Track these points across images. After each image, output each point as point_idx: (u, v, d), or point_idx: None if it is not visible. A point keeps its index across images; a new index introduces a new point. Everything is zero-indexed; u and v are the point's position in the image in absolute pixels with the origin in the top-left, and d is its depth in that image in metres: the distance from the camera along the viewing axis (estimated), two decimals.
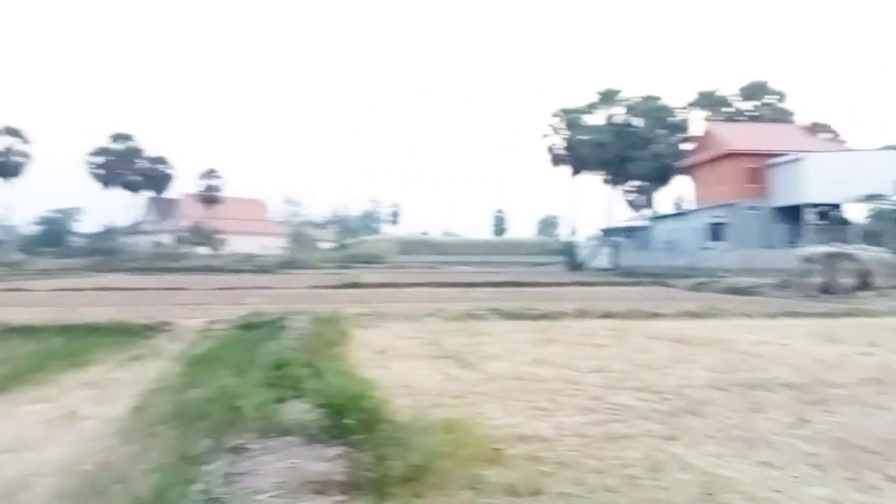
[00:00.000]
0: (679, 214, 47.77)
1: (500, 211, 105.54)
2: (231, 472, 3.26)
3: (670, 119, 54.56)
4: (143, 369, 7.07)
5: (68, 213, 73.03)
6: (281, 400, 4.52)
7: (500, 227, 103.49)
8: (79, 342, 8.60)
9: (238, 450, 3.61)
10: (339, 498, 3.03)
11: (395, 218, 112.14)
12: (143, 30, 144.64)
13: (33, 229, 70.56)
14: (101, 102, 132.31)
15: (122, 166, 67.89)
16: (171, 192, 74.18)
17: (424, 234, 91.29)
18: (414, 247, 73.39)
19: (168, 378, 6.40)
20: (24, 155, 62.76)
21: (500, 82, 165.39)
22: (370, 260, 60.32)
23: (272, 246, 69.47)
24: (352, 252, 68.69)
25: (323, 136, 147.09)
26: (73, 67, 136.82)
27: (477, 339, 8.95)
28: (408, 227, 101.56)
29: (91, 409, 5.40)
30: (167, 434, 4.32)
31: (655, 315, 12.32)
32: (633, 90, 57.25)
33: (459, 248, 75.53)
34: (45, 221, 71.52)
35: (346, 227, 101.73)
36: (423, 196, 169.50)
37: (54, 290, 21.92)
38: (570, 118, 57.70)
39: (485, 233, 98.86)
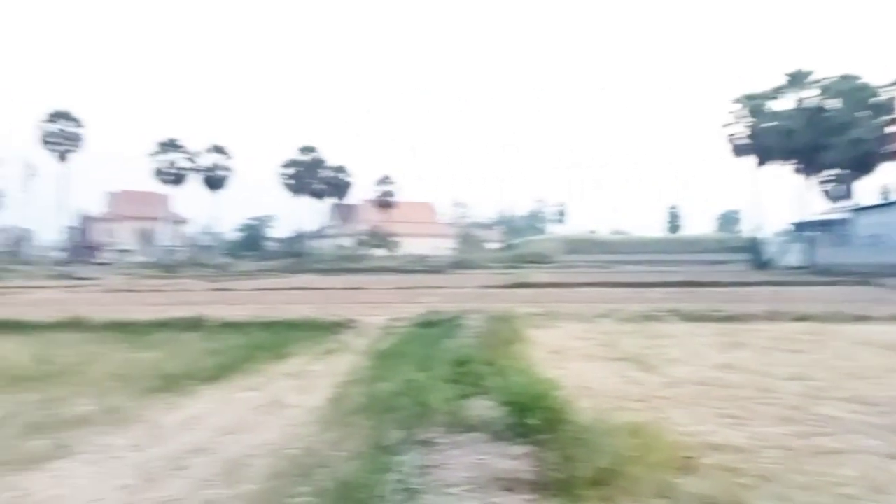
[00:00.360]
0: (887, 205, 42.36)
1: (674, 207, 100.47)
2: (423, 464, 3.42)
3: (874, 99, 48.51)
4: (335, 362, 7.64)
5: (264, 220, 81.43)
6: (465, 396, 4.65)
7: (674, 224, 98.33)
8: (279, 336, 9.49)
9: (428, 443, 3.77)
10: (529, 497, 3.06)
11: (561, 217, 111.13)
12: (323, 56, 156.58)
13: (235, 235, 79.40)
14: (289, 118, 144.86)
15: (309, 176, 73.74)
16: (351, 199, 79.62)
17: (592, 232, 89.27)
18: (581, 246, 71.87)
19: (358, 371, 6.83)
20: (227, 169, 70.70)
21: (675, 70, 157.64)
22: (537, 260, 60.10)
23: (443, 247, 71.90)
24: (519, 252, 68.99)
25: (490, 137, 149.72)
26: (266, 89, 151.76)
27: (656, 342, 8.60)
28: (575, 226, 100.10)
29: (293, 397, 5.92)
30: (361, 424, 4.60)
31: (862, 318, 11.05)
32: (826, 70, 51.69)
33: (630, 246, 72.80)
34: (245, 228, 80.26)
35: (512, 227, 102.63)
36: (591, 194, 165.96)
37: (254, 289, 24.32)
38: (754, 104, 53.51)
39: (657, 230, 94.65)
